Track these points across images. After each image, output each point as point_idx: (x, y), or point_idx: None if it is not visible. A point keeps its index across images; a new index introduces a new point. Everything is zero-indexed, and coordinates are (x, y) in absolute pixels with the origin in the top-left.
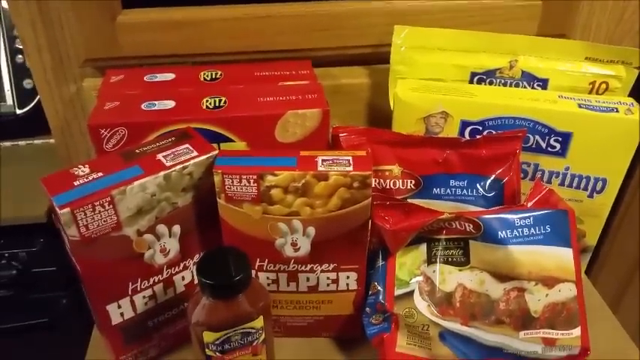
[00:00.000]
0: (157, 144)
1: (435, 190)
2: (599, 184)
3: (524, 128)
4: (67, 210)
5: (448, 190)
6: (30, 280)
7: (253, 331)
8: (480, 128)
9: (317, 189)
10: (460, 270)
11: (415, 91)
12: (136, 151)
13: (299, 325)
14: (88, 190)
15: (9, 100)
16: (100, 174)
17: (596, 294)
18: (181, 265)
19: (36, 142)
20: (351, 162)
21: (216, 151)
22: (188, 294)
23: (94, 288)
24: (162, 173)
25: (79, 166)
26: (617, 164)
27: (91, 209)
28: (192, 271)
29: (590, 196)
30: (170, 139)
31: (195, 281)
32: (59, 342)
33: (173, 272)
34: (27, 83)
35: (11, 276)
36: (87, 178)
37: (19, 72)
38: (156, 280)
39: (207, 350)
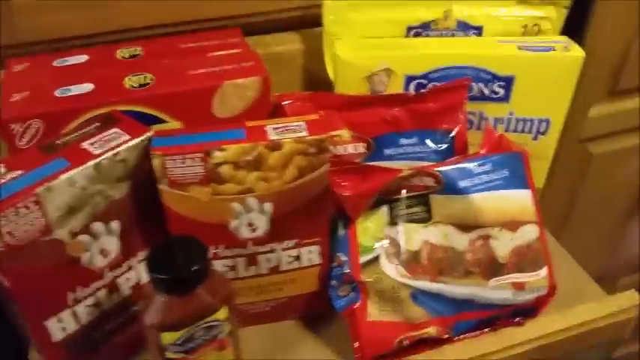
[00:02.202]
0: (80, 132)
1: (387, 151)
2: (543, 126)
3: (469, 77)
4: None
5: (400, 150)
6: None
7: (217, 323)
8: (425, 82)
9: (271, 160)
10: (424, 227)
11: (356, 49)
12: (57, 142)
13: (262, 312)
14: (7, 192)
15: None
16: (19, 172)
17: (549, 235)
18: (124, 265)
19: None
20: (304, 127)
21: (151, 132)
22: (136, 296)
23: (28, 303)
24: (91, 163)
25: None
26: (558, 103)
27: (14, 213)
28: (137, 272)
29: (535, 138)
30: (94, 125)
31: (142, 281)
32: None
33: (116, 275)
34: None
35: None
36: (4, 178)
37: None
38: (98, 286)
39: (167, 353)
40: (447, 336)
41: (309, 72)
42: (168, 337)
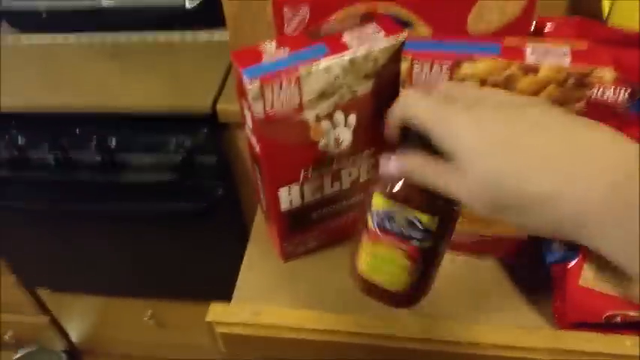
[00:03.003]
0: (342, 24)
1: None
2: None
3: None
4: (256, 84)
5: None
6: (192, 167)
7: (420, 226)
8: None
9: (522, 84)
10: None
11: None
12: (321, 30)
13: (464, 242)
14: (276, 67)
15: None
16: (287, 52)
17: None
18: (351, 159)
19: (205, 36)
20: (568, 54)
21: (405, 34)
22: (352, 192)
23: (270, 170)
24: (347, 55)
25: (267, 43)
26: None
27: (279, 86)
28: (359, 169)
29: None
30: (355, 19)
31: (361, 179)
32: (211, 229)
33: (342, 166)
34: None
35: (177, 162)
36: (275, 55)
37: None
38: (326, 172)
39: (368, 216)
40: None
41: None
42: (377, 200)
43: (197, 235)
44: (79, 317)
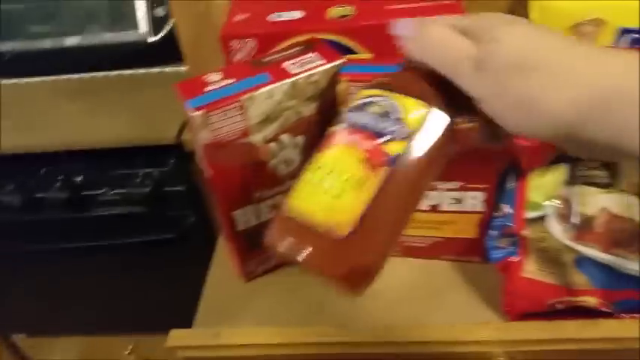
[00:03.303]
0: (284, 53)
1: None
2: None
3: None
4: (200, 113)
5: None
6: (161, 197)
7: (397, 115)
8: None
9: None
10: (605, 193)
11: None
12: (265, 60)
13: (418, 246)
14: (219, 95)
15: (143, 28)
16: (231, 80)
17: None
18: None
19: (167, 70)
20: None
21: (344, 59)
22: None
23: (223, 193)
24: (288, 80)
25: (211, 74)
26: None
27: (223, 113)
28: None
29: None
30: (296, 49)
31: None
32: (185, 258)
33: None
34: (159, 11)
35: (146, 193)
36: (218, 84)
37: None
38: (279, 191)
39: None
40: (607, 310)
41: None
42: (356, 96)
43: (172, 264)
44: None
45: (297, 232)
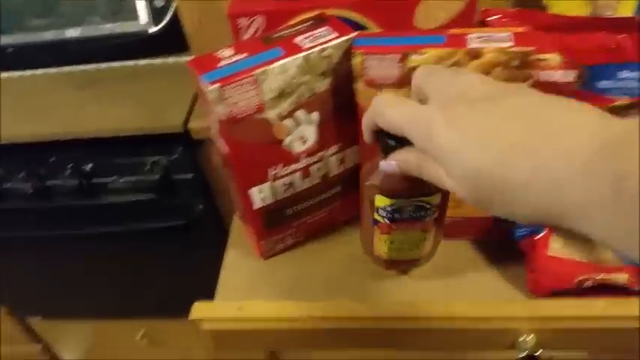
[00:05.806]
0: (295, 28)
1: (601, 84)
2: None
3: None
4: (216, 87)
5: (618, 84)
6: (170, 185)
7: (428, 206)
8: None
9: (469, 69)
10: None
11: None
12: (275, 35)
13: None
14: (233, 70)
15: (143, 19)
16: (243, 55)
17: None
18: (318, 155)
19: (170, 60)
20: (509, 38)
21: (356, 33)
22: (324, 187)
23: (240, 170)
24: (301, 54)
25: (224, 49)
26: None
27: (237, 87)
28: (327, 164)
29: None
30: (307, 24)
31: (331, 174)
32: (195, 244)
33: (310, 162)
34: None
35: (154, 181)
36: (231, 59)
37: None
38: (294, 169)
39: (376, 214)
40: (637, 288)
41: None
42: (381, 201)
43: (182, 251)
44: (72, 343)
45: (392, 265)
